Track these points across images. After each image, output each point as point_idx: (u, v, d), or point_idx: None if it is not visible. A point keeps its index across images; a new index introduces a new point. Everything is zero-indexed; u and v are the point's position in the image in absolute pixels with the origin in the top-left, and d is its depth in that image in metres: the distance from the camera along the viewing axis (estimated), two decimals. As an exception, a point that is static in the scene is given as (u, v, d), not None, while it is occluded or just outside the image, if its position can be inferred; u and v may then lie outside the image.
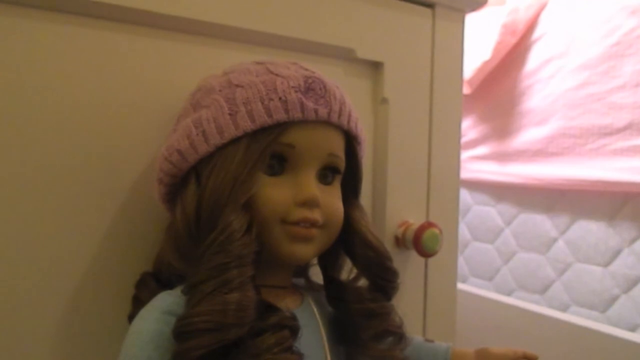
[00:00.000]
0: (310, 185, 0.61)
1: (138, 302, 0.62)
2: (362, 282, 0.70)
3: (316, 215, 0.61)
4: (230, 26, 0.76)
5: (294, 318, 0.57)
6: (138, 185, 0.72)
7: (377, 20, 0.90)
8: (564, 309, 1.69)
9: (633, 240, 1.52)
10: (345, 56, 0.89)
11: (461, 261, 2.08)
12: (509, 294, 1.89)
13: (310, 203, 0.60)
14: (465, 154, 1.96)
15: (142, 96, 0.72)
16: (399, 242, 0.92)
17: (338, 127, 0.65)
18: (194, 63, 0.75)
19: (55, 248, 0.67)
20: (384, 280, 0.69)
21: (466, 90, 1.93)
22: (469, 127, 2.01)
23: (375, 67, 0.92)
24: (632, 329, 1.48)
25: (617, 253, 1.55)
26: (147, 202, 0.70)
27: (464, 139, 1.95)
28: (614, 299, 1.55)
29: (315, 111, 0.61)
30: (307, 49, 0.85)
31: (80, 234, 0.69)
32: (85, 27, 0.68)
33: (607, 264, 1.58)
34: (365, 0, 0.88)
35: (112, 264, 0.71)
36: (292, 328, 0.56)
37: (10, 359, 0.65)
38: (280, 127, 0.60)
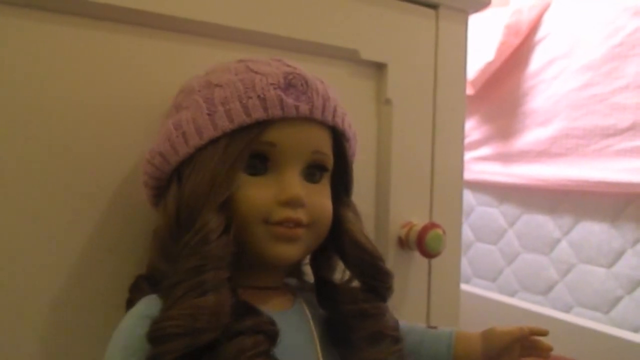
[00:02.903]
0: (293, 184, 0.60)
1: (132, 305, 0.60)
2: (356, 283, 0.69)
3: (300, 215, 0.60)
4: (232, 27, 0.77)
5: (271, 322, 0.56)
6: (134, 187, 0.71)
7: (380, 21, 0.90)
8: (568, 310, 1.69)
9: (636, 241, 1.52)
10: (348, 57, 0.89)
11: (464, 262, 2.08)
12: (512, 294, 1.89)
13: (293, 202, 0.59)
14: (468, 155, 1.96)
15: (139, 96, 0.72)
16: (403, 243, 0.92)
17: (323, 124, 0.63)
18: (193, 64, 0.74)
19: (48, 250, 0.67)
20: (376, 281, 0.67)
21: (469, 91, 1.93)
22: (473, 128, 2.01)
23: (379, 68, 0.92)
24: (636, 330, 1.48)
25: (620, 254, 1.55)
26: (142, 204, 0.70)
27: (467, 140, 1.95)
28: (618, 300, 1.55)
29: (296, 108, 0.60)
30: (310, 50, 0.85)
31: (75, 237, 0.69)
32: (78, 27, 0.68)
33: (610, 265, 1.57)
34: (368, 2, 0.88)
35: (107, 267, 0.70)
36: (268, 333, 0.55)
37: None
38: (260, 125, 0.59)
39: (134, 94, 0.72)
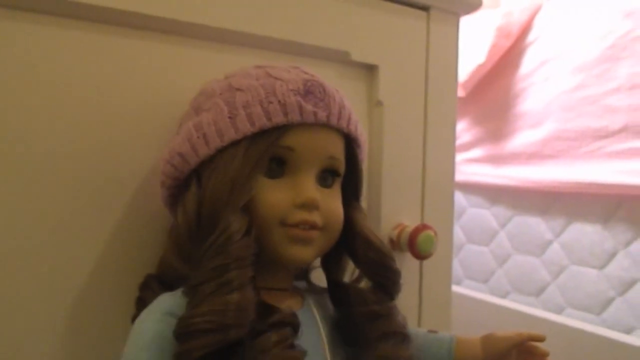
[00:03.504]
0: (310, 187, 0.62)
1: (142, 304, 0.62)
2: (364, 283, 0.71)
3: (315, 217, 0.62)
4: (226, 29, 0.77)
5: (294, 315, 0.58)
6: (142, 188, 0.72)
7: (371, 23, 0.90)
8: (559, 311, 1.69)
9: (628, 243, 1.52)
10: (339, 59, 0.89)
11: (456, 263, 2.08)
12: (504, 296, 1.89)
13: (309, 205, 0.61)
14: (459, 157, 1.96)
15: (145, 99, 0.73)
16: (394, 244, 0.92)
17: (338, 130, 0.65)
18: (193, 66, 0.76)
19: (59, 250, 0.67)
20: (387, 280, 0.69)
21: (461, 93, 1.93)
22: (464, 130, 2.02)
23: (370, 69, 0.92)
24: (628, 332, 1.48)
25: (612, 255, 1.55)
26: (151, 205, 0.71)
27: (458, 142, 1.95)
28: (609, 301, 1.56)
29: (314, 114, 0.61)
30: (302, 52, 0.85)
31: (85, 236, 0.69)
32: (87, 31, 0.69)
33: (602, 267, 1.58)
34: (360, 3, 0.88)
35: (116, 266, 0.71)
36: (293, 325, 0.57)
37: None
38: (280, 130, 0.60)
39: (140, 97, 0.72)
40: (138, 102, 0.72)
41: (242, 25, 0.78)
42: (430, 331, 0.80)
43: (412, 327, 0.79)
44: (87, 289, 0.69)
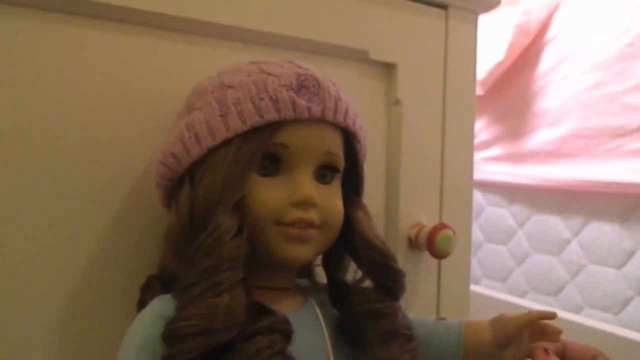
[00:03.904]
0: (305, 185, 0.60)
1: (143, 306, 0.61)
2: (367, 283, 0.69)
3: (312, 215, 0.60)
4: (242, 28, 0.77)
5: (286, 321, 0.56)
6: (143, 187, 0.71)
7: (390, 21, 0.90)
8: (577, 311, 1.68)
9: (647, 242, 1.51)
10: (358, 57, 0.89)
11: (474, 263, 2.08)
12: (522, 295, 1.88)
13: (304, 203, 0.59)
14: (478, 155, 1.96)
15: (143, 97, 0.72)
16: (412, 243, 0.92)
17: (335, 125, 0.63)
18: (202, 65, 0.75)
19: (60, 251, 0.67)
20: (388, 280, 0.67)
21: (479, 91, 1.93)
22: (482, 128, 2.01)
23: (389, 68, 0.92)
24: (646, 331, 1.48)
25: (630, 254, 1.55)
26: (153, 205, 0.70)
27: (476, 140, 1.93)
28: (628, 300, 1.55)
29: (308, 109, 0.60)
30: (320, 51, 0.85)
31: (86, 238, 0.69)
32: (85, 28, 0.68)
33: (620, 266, 1.57)
34: (378, 2, 0.88)
35: (118, 267, 0.71)
36: (283, 332, 0.55)
37: None
38: (273, 126, 0.59)
39: (144, 96, 0.72)
40: (141, 99, 0.72)
41: (260, 24, 0.78)
42: (439, 319, 0.79)
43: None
44: (87, 290, 0.69)
